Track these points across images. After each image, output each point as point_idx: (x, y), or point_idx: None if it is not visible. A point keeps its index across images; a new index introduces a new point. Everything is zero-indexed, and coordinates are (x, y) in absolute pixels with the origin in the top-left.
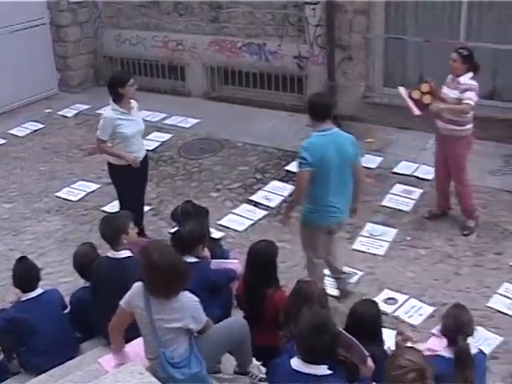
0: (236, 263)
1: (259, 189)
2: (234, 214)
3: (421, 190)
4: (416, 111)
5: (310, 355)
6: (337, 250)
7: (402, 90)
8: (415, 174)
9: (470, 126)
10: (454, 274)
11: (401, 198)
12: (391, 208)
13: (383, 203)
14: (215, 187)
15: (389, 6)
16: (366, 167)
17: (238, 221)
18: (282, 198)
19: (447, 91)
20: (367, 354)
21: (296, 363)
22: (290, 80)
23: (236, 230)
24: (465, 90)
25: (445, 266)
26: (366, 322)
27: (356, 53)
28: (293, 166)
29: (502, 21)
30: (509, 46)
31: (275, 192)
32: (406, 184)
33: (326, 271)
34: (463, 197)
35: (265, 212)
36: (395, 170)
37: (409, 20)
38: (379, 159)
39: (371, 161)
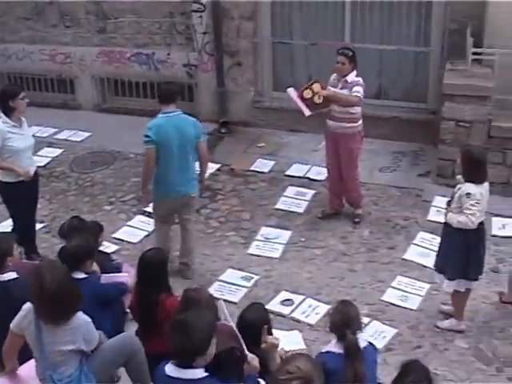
0: (126, 276)
1: None
2: (128, 226)
3: (313, 191)
4: (307, 112)
5: (180, 358)
6: (192, 240)
7: (291, 92)
8: (307, 175)
9: (359, 122)
10: (348, 271)
11: (294, 199)
12: (285, 211)
13: (277, 206)
14: (108, 200)
15: (275, 10)
16: (259, 171)
17: (132, 233)
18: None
19: (335, 91)
20: (250, 354)
21: (169, 368)
22: (180, 88)
23: (131, 242)
24: (353, 86)
25: (339, 264)
26: (254, 326)
27: (245, 58)
28: None
29: (385, 22)
30: (392, 46)
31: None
32: (298, 186)
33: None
34: (351, 190)
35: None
36: (288, 172)
37: (295, 24)
38: (272, 163)
39: (264, 165)
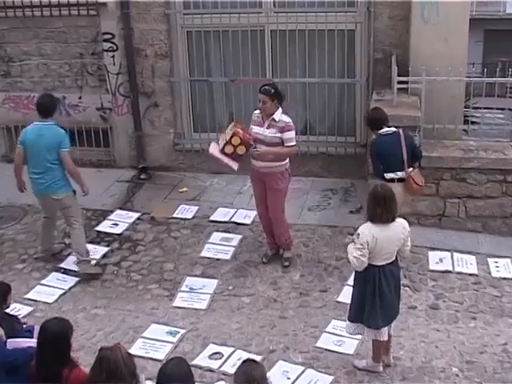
0: (35, 340)
1: (69, 254)
2: (42, 285)
3: (240, 236)
4: (235, 166)
5: None
6: (73, 239)
7: (214, 151)
8: (233, 219)
9: (287, 160)
10: (279, 319)
11: (220, 246)
12: (210, 258)
13: (202, 254)
14: (20, 258)
15: (191, 47)
16: (181, 218)
17: (47, 292)
18: (95, 261)
19: (260, 130)
20: None
21: None
22: (94, 134)
23: (46, 303)
24: (283, 129)
25: (270, 312)
26: (176, 382)
27: (162, 99)
28: (104, 226)
29: (307, 53)
30: (315, 79)
31: (90, 257)
32: (224, 231)
33: None
34: (281, 233)
35: (76, 278)
36: (212, 217)
37: (213, 60)
38: (195, 208)
39: (187, 211)
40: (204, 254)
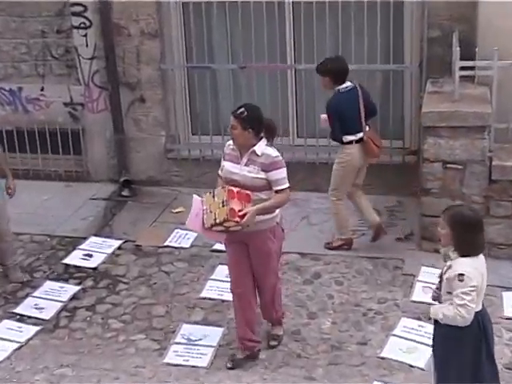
0: None
1: (26, 296)
2: None
3: None
4: (220, 239)
5: None
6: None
7: (194, 226)
8: None
9: (278, 211)
10: (305, 380)
11: (226, 284)
12: (213, 299)
13: (202, 294)
14: None
15: (189, 25)
16: (176, 247)
17: None
18: (61, 304)
19: (235, 168)
20: None
21: None
22: (61, 137)
23: None
24: (269, 166)
25: (292, 370)
26: None
27: (150, 92)
28: (74, 258)
29: (340, 32)
30: (350, 65)
31: (49, 297)
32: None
33: None
34: (273, 304)
35: (36, 328)
36: (216, 246)
37: (217, 41)
38: (193, 235)
39: (183, 238)
40: (205, 294)
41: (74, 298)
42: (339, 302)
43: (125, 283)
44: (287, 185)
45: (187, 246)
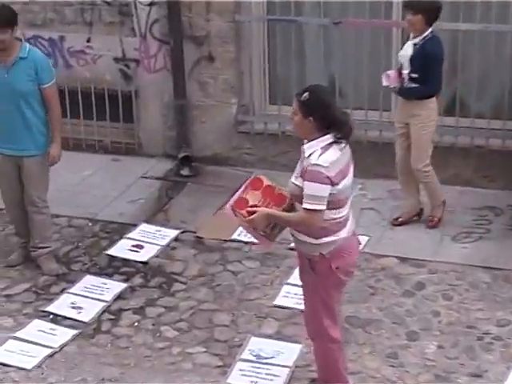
0: None
1: (62, 291)
2: (18, 339)
3: None
4: (268, 243)
5: None
6: (37, 226)
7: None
8: None
9: (332, 238)
10: None
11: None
12: (290, 308)
13: (276, 302)
14: None
15: None
16: (245, 242)
17: (24, 351)
18: (104, 304)
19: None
20: None
21: None
22: (109, 100)
23: (22, 368)
24: (305, 173)
25: None
26: None
27: (220, 49)
28: (121, 249)
29: None
30: (473, 24)
31: (89, 295)
32: None
33: None
34: (322, 370)
35: (73, 331)
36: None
37: None
38: None
39: None
40: (280, 301)
41: (119, 297)
42: (447, 321)
43: (182, 283)
44: (315, 206)
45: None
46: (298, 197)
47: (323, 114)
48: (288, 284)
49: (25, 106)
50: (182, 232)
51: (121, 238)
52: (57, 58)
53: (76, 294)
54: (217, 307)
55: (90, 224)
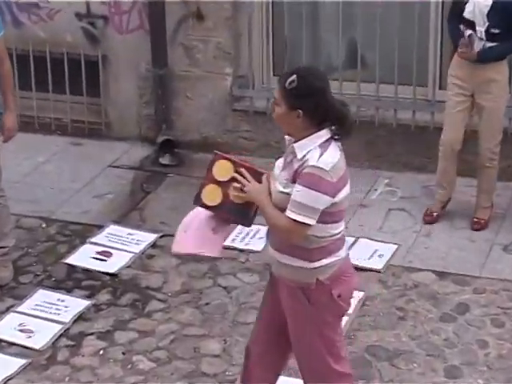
0: None
1: (7, 310)
2: None
3: (361, 293)
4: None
5: None
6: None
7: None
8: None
9: (331, 259)
10: None
11: None
12: None
13: None
14: None
15: None
16: (241, 250)
17: None
18: (60, 326)
19: (277, 173)
20: None
21: None
22: (69, 67)
23: None
24: (299, 175)
25: None
26: None
27: (212, 5)
28: (83, 257)
29: None
30: None
31: (42, 315)
32: None
33: None
34: None
35: (21, 361)
36: None
37: None
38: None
39: (253, 237)
40: None
41: (80, 318)
42: (497, 353)
43: (160, 301)
44: (304, 219)
45: (259, 248)
46: (283, 207)
47: (317, 107)
48: None
49: None
50: (161, 236)
51: (83, 242)
52: (4, 14)
53: (25, 314)
54: (205, 332)
55: (44, 225)
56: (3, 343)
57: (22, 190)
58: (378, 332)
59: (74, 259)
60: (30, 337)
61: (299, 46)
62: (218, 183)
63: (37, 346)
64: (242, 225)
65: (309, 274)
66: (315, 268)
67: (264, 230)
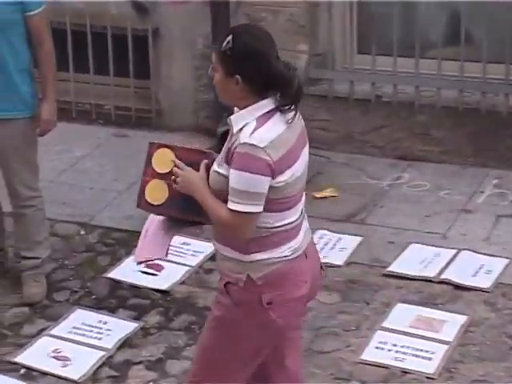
0: None
1: (40, 332)
2: None
3: (463, 318)
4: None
5: None
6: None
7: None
8: (446, 276)
9: (269, 254)
10: None
11: (415, 340)
12: (387, 367)
13: (365, 356)
14: None
15: None
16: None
17: None
18: (102, 354)
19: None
20: None
21: None
22: (114, 45)
23: None
24: (232, 156)
25: None
26: None
27: None
28: (128, 271)
29: None
30: None
31: (81, 340)
32: (423, 303)
33: None
34: None
35: None
36: (393, 267)
37: None
38: (351, 241)
39: (332, 248)
40: (370, 355)
41: (125, 344)
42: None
43: None
44: (245, 208)
45: (339, 262)
46: (223, 192)
47: (257, 72)
48: (383, 329)
49: (1, 43)
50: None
51: (128, 253)
52: None
53: (60, 338)
54: None
55: (83, 232)
56: (34, 372)
57: (56, 190)
58: (485, 364)
59: (117, 273)
60: (66, 365)
61: (389, 18)
62: (161, 176)
63: (74, 377)
64: (200, 223)
65: (239, 268)
66: (247, 262)
67: (345, 239)
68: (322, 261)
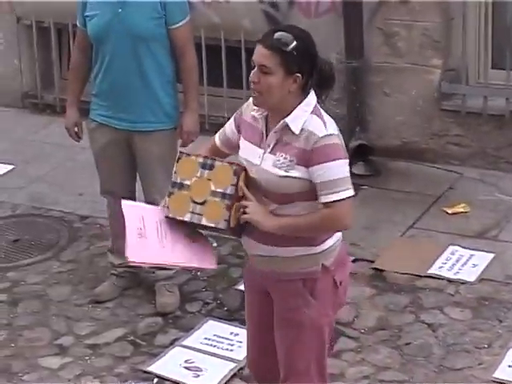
0: None
1: (172, 343)
2: None
3: None
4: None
5: None
6: None
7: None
8: None
9: (333, 239)
10: None
11: None
12: None
13: (498, 374)
14: (52, 343)
15: None
16: (451, 280)
17: None
18: (233, 366)
19: (254, 155)
20: None
21: None
22: (247, 58)
23: None
24: (314, 155)
25: None
26: None
27: None
28: None
29: None
30: None
31: (213, 351)
32: None
33: None
34: None
35: None
36: None
37: None
38: (484, 257)
39: (464, 264)
40: (504, 373)
41: None
42: None
43: (351, 338)
44: (347, 193)
45: (472, 278)
46: (297, 195)
47: (313, 66)
48: None
49: (145, 57)
50: (354, 260)
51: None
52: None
53: (192, 348)
54: (404, 378)
55: (215, 244)
56: (167, 382)
57: None
58: None
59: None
60: (197, 376)
61: None
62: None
63: None
64: (219, 232)
65: (312, 262)
66: (318, 253)
67: (478, 255)
68: (454, 277)
